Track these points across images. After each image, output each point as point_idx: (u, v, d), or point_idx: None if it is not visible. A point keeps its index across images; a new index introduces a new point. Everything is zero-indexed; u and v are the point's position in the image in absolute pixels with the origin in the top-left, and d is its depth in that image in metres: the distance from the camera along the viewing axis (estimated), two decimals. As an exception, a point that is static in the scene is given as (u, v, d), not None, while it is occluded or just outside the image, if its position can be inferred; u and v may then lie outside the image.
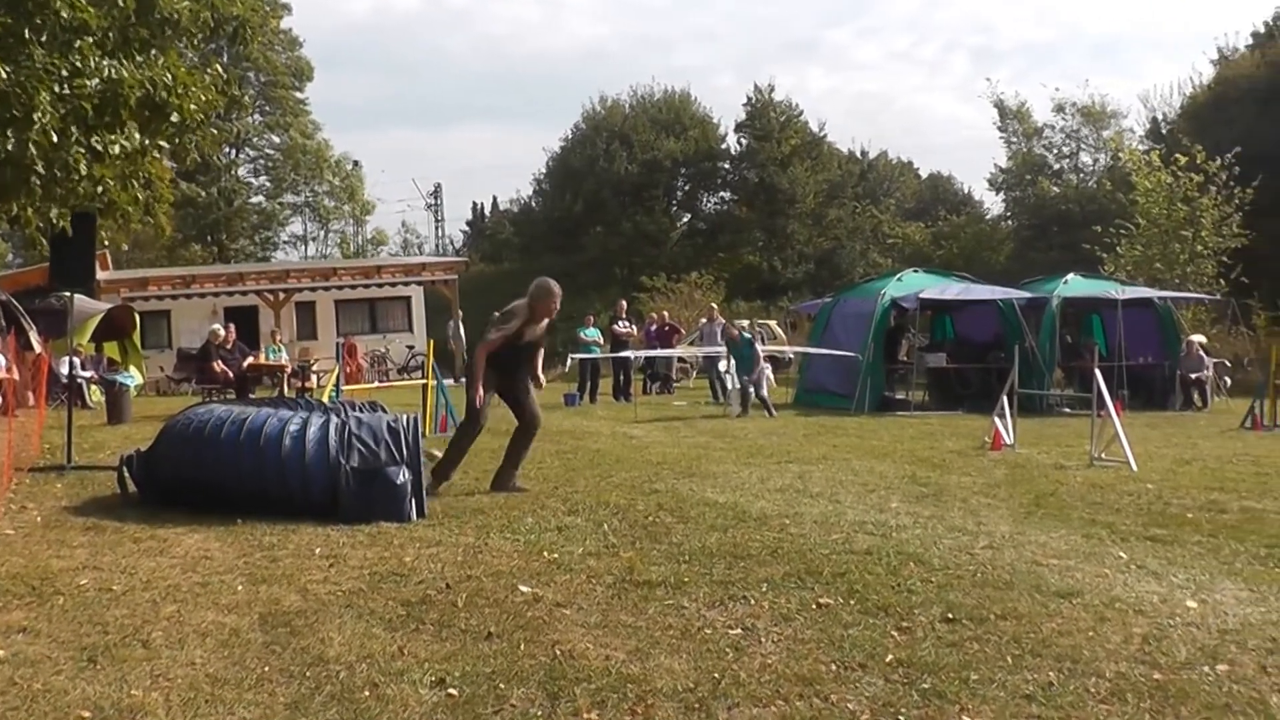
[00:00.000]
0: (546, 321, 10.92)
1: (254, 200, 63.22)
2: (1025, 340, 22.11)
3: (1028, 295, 24.09)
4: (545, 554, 7.54)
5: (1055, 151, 54.86)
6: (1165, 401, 24.02)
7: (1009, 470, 12.38)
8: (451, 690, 4.84)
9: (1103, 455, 13.11)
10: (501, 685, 4.90)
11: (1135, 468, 12.34)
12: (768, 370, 22.71)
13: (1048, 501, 10.08)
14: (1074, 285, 24.68)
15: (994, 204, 60.27)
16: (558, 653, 5.34)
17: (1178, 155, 34.44)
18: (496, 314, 10.94)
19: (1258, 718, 4.54)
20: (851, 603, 6.25)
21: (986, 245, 52.16)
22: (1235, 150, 33.74)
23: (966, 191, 67.29)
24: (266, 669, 5.12)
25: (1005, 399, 15.16)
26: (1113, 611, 6.09)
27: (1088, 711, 4.61)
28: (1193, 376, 24.27)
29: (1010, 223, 55.97)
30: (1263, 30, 50.18)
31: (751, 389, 20.73)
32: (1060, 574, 6.99)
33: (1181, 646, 5.47)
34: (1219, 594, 6.57)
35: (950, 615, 5.97)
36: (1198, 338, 26.48)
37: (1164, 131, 48.80)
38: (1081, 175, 54.03)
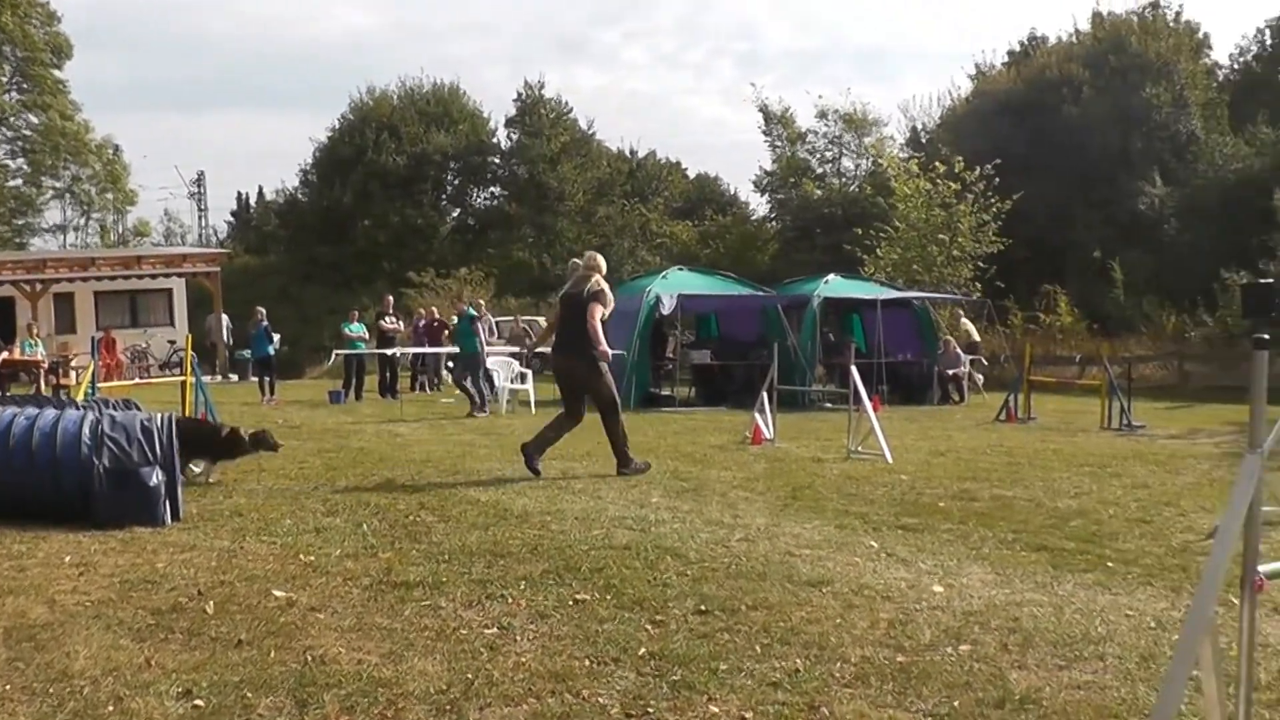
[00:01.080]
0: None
1: (11, 184, 60.01)
2: (787, 338, 22.54)
3: (786, 297, 24.62)
4: (302, 556, 7.28)
5: (818, 156, 56.00)
6: (923, 396, 24.80)
7: (768, 464, 12.52)
8: (198, 701, 4.59)
9: (859, 448, 13.37)
10: (249, 694, 4.67)
11: (891, 460, 12.62)
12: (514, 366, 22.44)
13: (804, 494, 10.20)
14: (835, 285, 25.32)
15: (759, 205, 61.18)
16: (309, 658, 5.13)
17: (936, 163, 35.66)
18: (583, 293, 11.33)
19: (996, 692, 4.60)
20: (608, 598, 6.18)
21: (752, 245, 53.02)
22: (995, 161, 35.06)
23: (733, 192, 68.21)
24: (8, 687, 4.77)
25: (765, 395, 15.34)
26: (861, 598, 6.16)
27: (832, 695, 4.62)
28: (950, 373, 25.13)
29: (775, 224, 56.90)
30: (1018, 49, 52.49)
31: (469, 379, 20.36)
32: (812, 564, 7.05)
33: (926, 629, 5.55)
34: (965, 578, 6.71)
35: (703, 607, 5.94)
36: (965, 323, 27.56)
37: (923, 140, 50.56)
38: (843, 179, 55.31)
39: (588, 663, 5.07)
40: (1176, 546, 7.88)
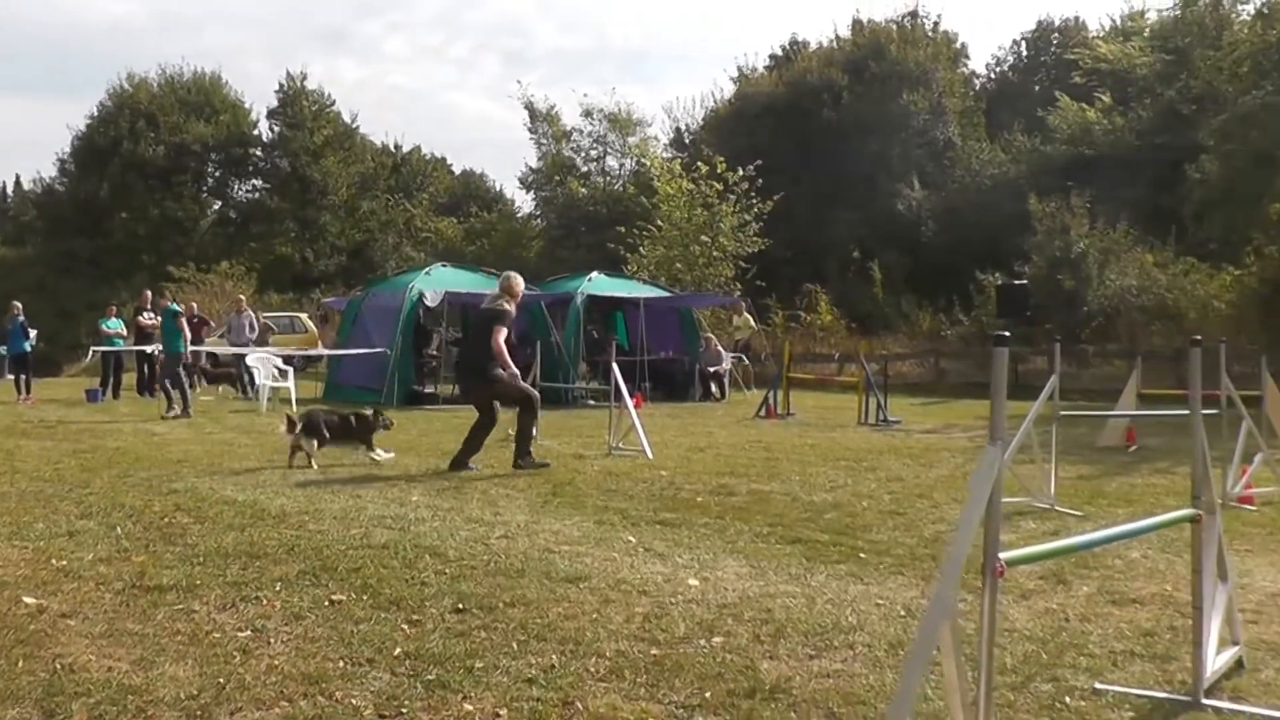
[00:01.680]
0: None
1: None
2: (551, 335, 22.56)
3: (551, 295, 24.66)
4: (54, 561, 6.95)
5: (583, 155, 56.35)
6: (686, 393, 25.10)
7: (531, 461, 12.51)
8: (-62, 718, 4.35)
9: (620, 445, 13.46)
10: (-6, 707, 4.44)
11: (651, 456, 12.75)
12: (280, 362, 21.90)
13: (565, 491, 10.20)
14: (598, 283, 25.42)
15: (525, 202, 61.40)
16: (58, 667, 4.89)
17: (699, 164, 36.16)
18: (486, 309, 12.23)
19: (747, 683, 4.65)
20: (365, 598, 6.06)
21: (518, 242, 53.16)
22: (756, 163, 35.70)
23: (499, 189, 68.26)
24: None
25: (529, 393, 15.34)
26: (618, 593, 6.17)
27: (586, 690, 4.61)
28: (711, 370, 25.48)
29: (541, 221, 57.09)
30: (780, 53, 53.63)
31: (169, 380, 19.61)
32: (570, 560, 7.04)
33: (681, 622, 5.59)
34: (721, 571, 6.79)
35: (461, 606, 5.87)
36: (746, 316, 28.10)
37: (687, 141, 51.31)
38: (608, 178, 55.74)
39: (342, 664, 4.96)
40: (928, 537, 8.13)
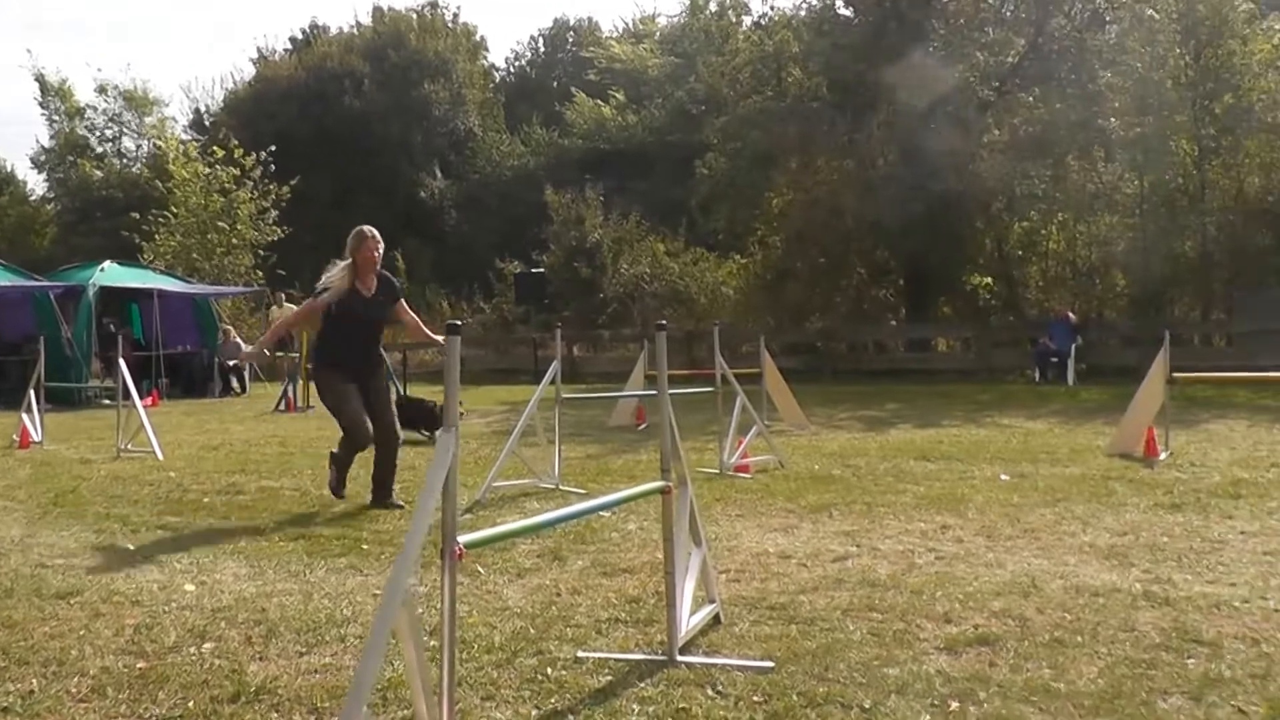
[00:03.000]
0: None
1: None
2: (61, 330, 21.51)
3: (61, 286, 23.48)
4: None
5: (98, 134, 53.61)
6: (205, 389, 24.48)
7: (34, 469, 11.92)
8: None
9: (129, 446, 13.03)
10: None
11: (161, 456, 12.42)
12: None
13: (67, 499, 9.78)
14: (111, 273, 24.38)
15: (38, 184, 57.58)
16: None
17: (216, 148, 35.19)
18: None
19: (233, 687, 4.60)
20: None
21: (30, 228, 50.01)
22: (270, 148, 35.06)
23: (9, 169, 63.84)
24: None
25: (33, 393, 14.63)
26: (109, 606, 5.98)
27: (65, 713, 4.44)
28: (231, 363, 24.96)
29: (54, 205, 53.84)
30: (300, 36, 52.78)
31: None
32: (64, 574, 6.75)
33: (172, 631, 5.48)
34: (219, 574, 6.71)
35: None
36: (288, 306, 27.55)
37: (207, 123, 49.70)
38: (125, 160, 53.29)
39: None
40: (434, 523, 8.26)
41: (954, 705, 4.31)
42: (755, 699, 4.41)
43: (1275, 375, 16.05)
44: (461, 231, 41.70)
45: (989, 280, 29.28)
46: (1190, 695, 4.37)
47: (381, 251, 9.28)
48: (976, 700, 4.36)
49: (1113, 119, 26.41)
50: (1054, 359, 23.96)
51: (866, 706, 4.31)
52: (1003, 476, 10.27)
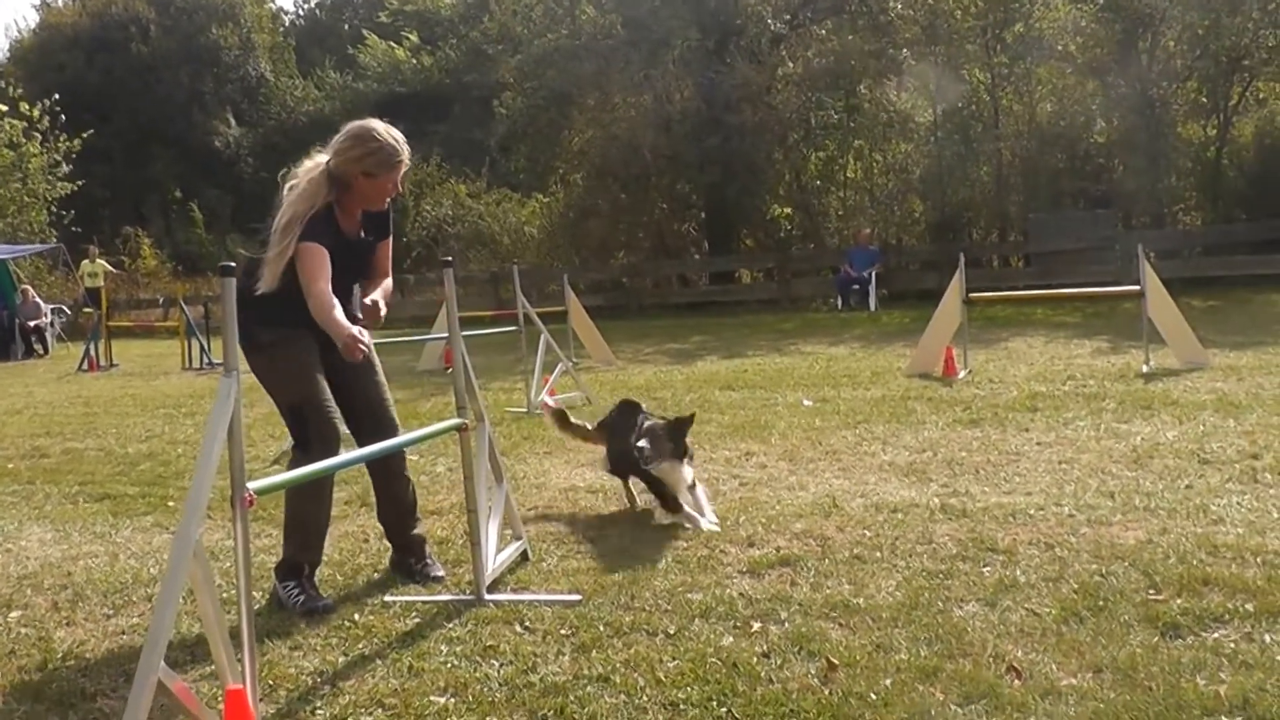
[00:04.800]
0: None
1: None
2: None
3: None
4: None
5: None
6: (7, 351, 23.74)
7: None
8: None
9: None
10: None
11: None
12: None
13: None
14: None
15: None
16: None
17: (-1, 105, 33.79)
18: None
19: (40, 655, 4.52)
20: None
21: None
22: (54, 97, 33.76)
23: None
24: None
25: None
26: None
27: None
28: (31, 324, 24.20)
29: None
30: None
31: None
32: None
33: (-28, 602, 5.37)
34: (25, 541, 6.55)
35: None
36: (101, 262, 26.73)
37: (-7, 75, 47.69)
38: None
39: None
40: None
41: (756, 626, 4.45)
42: (563, 632, 4.49)
43: (1069, 291, 16.72)
44: (260, 179, 40.65)
45: (789, 211, 29.68)
46: (985, 601, 4.57)
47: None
48: (778, 619, 4.51)
49: (904, 49, 26.95)
50: (855, 286, 24.47)
51: (671, 632, 4.43)
52: (805, 402, 10.54)
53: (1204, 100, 25.97)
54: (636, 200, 29.31)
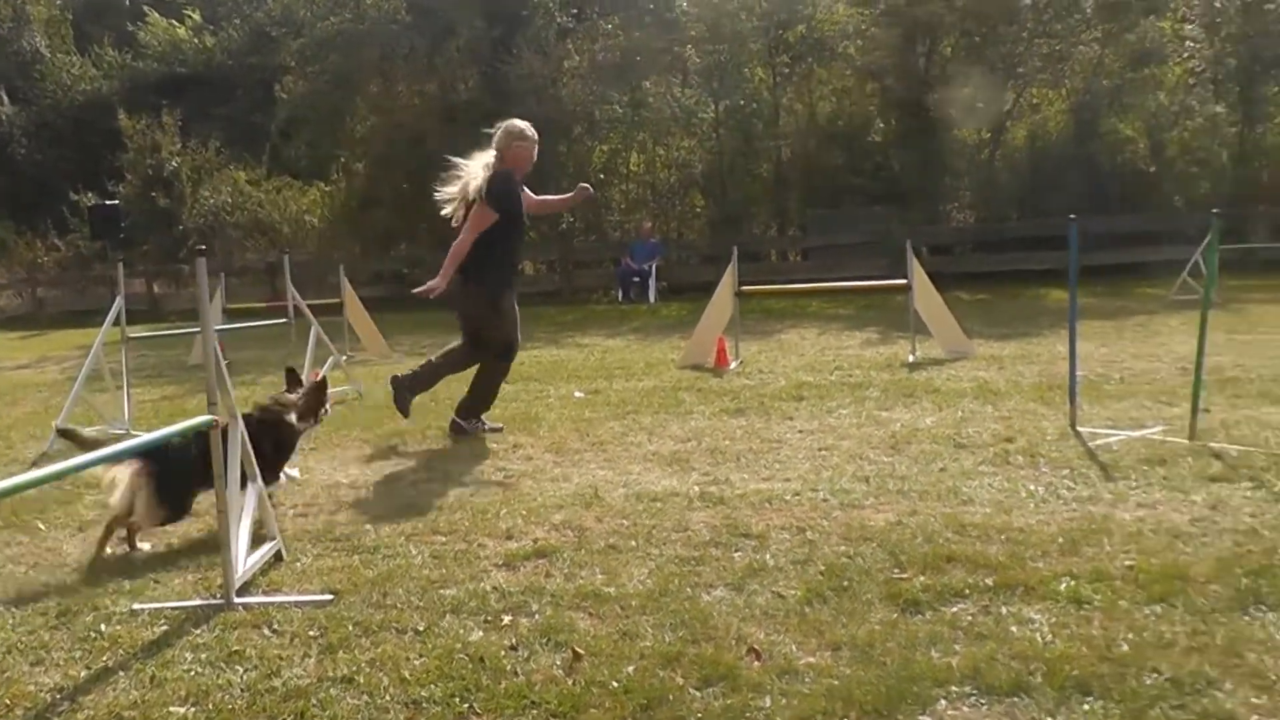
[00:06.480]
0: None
1: None
2: None
3: None
4: None
5: None
6: None
7: None
8: None
9: None
10: None
11: None
12: None
13: None
14: None
15: None
16: None
17: None
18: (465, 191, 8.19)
19: None
20: None
21: None
22: None
23: None
24: None
25: None
26: None
27: None
28: None
29: None
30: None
31: None
32: None
33: None
34: None
35: None
36: None
37: None
38: None
39: None
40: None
41: (507, 619, 4.40)
42: (311, 634, 4.38)
43: (837, 285, 17.06)
44: (35, 161, 38.93)
45: (572, 203, 29.60)
46: (733, 586, 4.60)
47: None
48: (529, 612, 4.47)
49: (689, 46, 27.24)
50: (636, 278, 24.61)
51: (421, 629, 4.35)
52: (577, 394, 10.50)
53: (979, 105, 26.88)
54: (419, 190, 28.85)
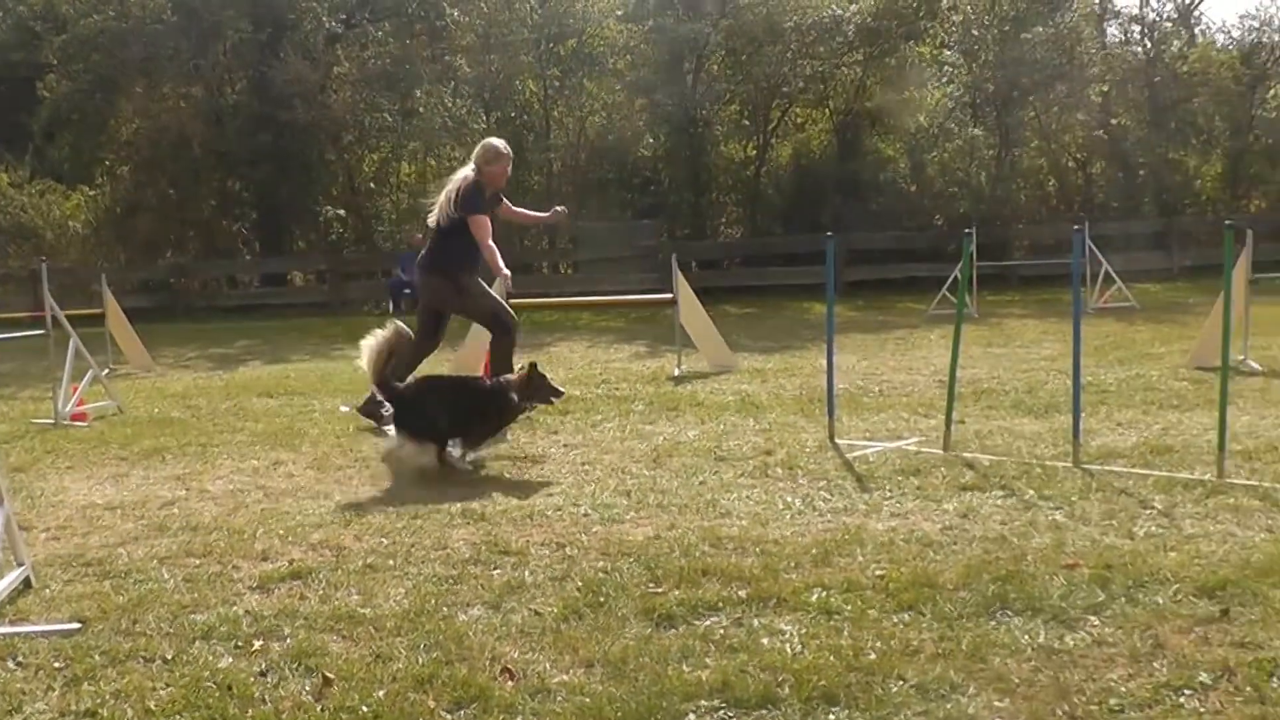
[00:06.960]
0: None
1: None
2: None
3: None
4: None
5: None
6: None
7: None
8: None
9: None
10: None
11: None
12: None
13: None
14: None
15: None
16: None
17: None
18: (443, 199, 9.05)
19: None
20: None
21: None
22: None
23: None
24: None
25: None
26: None
27: None
28: None
29: None
30: None
31: None
32: None
33: None
34: None
35: None
36: None
37: None
38: None
39: None
40: None
41: (258, 644, 4.29)
42: (56, 665, 4.18)
43: (598, 300, 17.22)
44: None
45: (342, 212, 29.31)
46: (490, 604, 4.57)
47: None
48: (280, 636, 4.36)
49: (460, 56, 27.17)
50: (407, 290, 24.37)
51: (169, 657, 4.21)
52: (343, 408, 10.34)
53: (745, 122, 27.45)
54: (186, 196, 28.30)
